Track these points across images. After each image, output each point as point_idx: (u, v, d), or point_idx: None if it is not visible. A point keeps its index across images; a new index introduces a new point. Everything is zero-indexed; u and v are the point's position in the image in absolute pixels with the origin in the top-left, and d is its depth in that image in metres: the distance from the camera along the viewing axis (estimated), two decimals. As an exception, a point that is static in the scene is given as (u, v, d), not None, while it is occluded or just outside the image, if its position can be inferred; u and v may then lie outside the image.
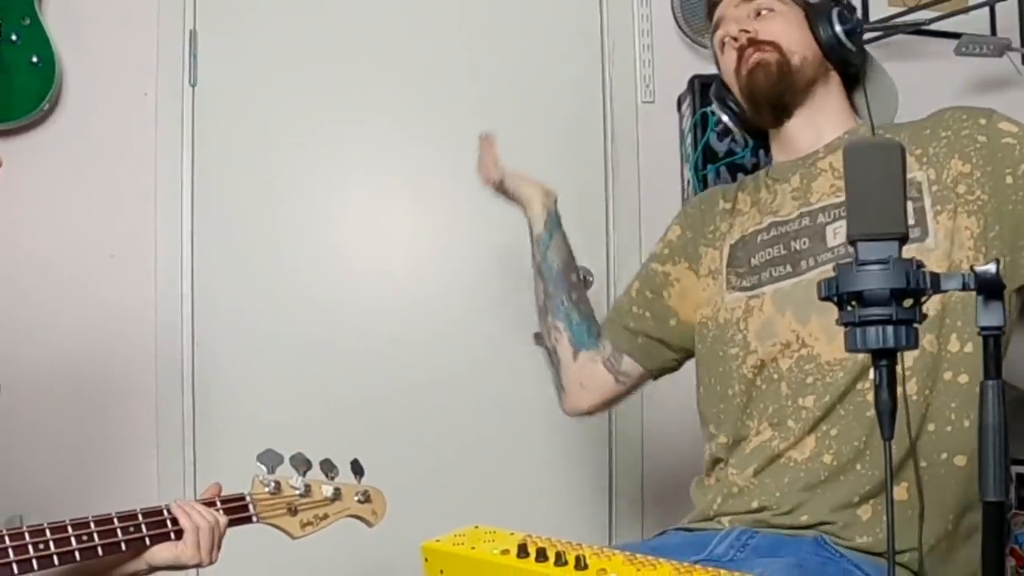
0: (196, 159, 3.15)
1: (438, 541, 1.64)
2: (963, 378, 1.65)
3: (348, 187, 3.21)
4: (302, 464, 1.95)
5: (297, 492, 1.94)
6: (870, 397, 1.64)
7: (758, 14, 1.91)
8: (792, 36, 1.88)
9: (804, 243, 1.81)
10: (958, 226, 1.68)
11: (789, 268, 1.81)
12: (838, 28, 1.87)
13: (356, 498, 2.00)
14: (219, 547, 1.84)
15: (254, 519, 1.90)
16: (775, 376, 1.78)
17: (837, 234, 1.76)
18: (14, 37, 3.02)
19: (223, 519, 1.84)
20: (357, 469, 2.01)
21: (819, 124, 1.90)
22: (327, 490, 1.97)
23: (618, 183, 3.15)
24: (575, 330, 2.06)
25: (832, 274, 1.65)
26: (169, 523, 1.79)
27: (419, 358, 3.15)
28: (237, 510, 1.88)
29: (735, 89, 1.98)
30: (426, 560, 1.63)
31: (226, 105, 3.18)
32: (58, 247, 3.12)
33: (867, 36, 2.99)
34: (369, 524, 2.02)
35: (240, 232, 3.17)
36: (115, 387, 3.11)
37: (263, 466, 1.92)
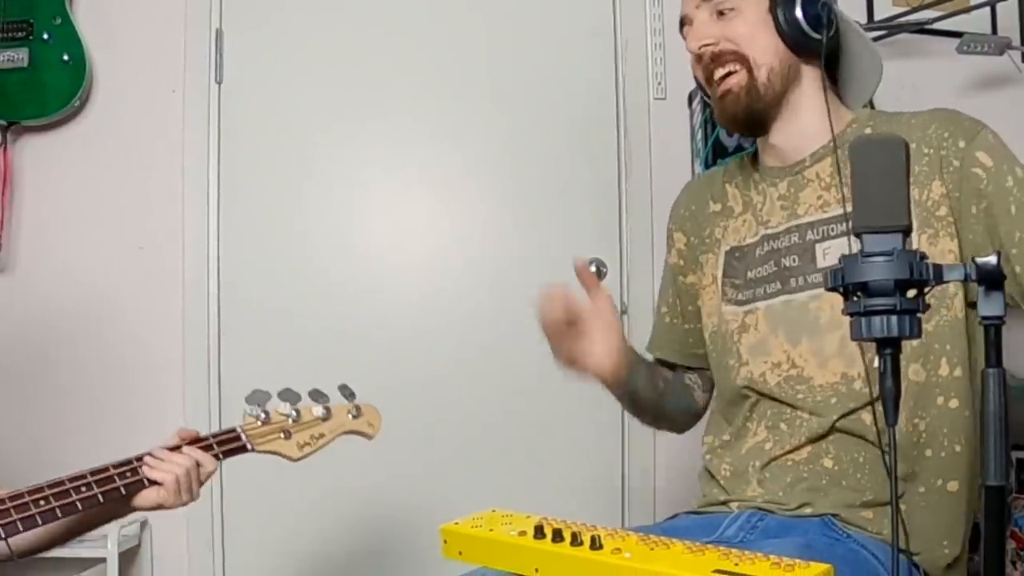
0: (222, 154, 3.16)
1: (456, 524, 1.65)
2: (953, 403, 1.64)
3: (368, 181, 3.22)
4: (291, 396, 1.98)
5: (288, 417, 1.96)
6: (867, 420, 1.65)
7: (720, 13, 1.77)
8: (757, 41, 1.75)
9: (794, 260, 1.77)
10: (941, 250, 1.64)
11: (779, 285, 1.77)
12: (802, 21, 1.73)
13: (349, 414, 2.02)
14: (200, 483, 1.87)
15: (248, 446, 1.92)
16: (765, 391, 1.77)
17: (827, 255, 1.72)
18: (46, 36, 3.04)
19: (205, 460, 1.86)
20: (346, 392, 2.04)
21: (801, 130, 1.79)
22: (318, 410, 1.99)
23: (631, 177, 3.15)
24: (680, 417, 2.07)
25: (820, 295, 1.68)
26: (144, 472, 1.82)
27: (436, 349, 3.16)
28: (230, 441, 1.91)
29: (710, 102, 1.88)
30: (445, 542, 1.63)
31: (251, 102, 3.19)
32: (88, 239, 3.14)
33: (871, 35, 3.00)
34: (368, 436, 2.03)
35: (264, 224, 3.18)
36: (142, 374, 3.13)
37: (250, 404, 1.95)
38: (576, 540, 1.48)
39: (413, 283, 3.19)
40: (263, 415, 1.94)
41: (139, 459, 1.82)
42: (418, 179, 3.22)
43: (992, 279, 1.07)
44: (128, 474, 1.80)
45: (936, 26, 2.85)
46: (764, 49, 1.75)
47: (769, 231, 1.82)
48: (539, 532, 1.53)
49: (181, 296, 3.12)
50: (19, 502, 1.70)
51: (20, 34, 3.03)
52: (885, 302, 1.07)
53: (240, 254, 3.16)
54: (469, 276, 3.19)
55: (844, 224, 1.71)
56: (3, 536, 1.67)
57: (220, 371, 3.12)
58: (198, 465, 1.85)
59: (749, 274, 1.83)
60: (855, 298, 1.10)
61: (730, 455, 1.83)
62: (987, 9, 2.86)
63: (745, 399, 1.81)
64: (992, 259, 1.06)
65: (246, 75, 3.19)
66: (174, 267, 3.13)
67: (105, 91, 3.17)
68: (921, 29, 2.89)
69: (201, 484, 1.86)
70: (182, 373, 3.12)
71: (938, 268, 1.08)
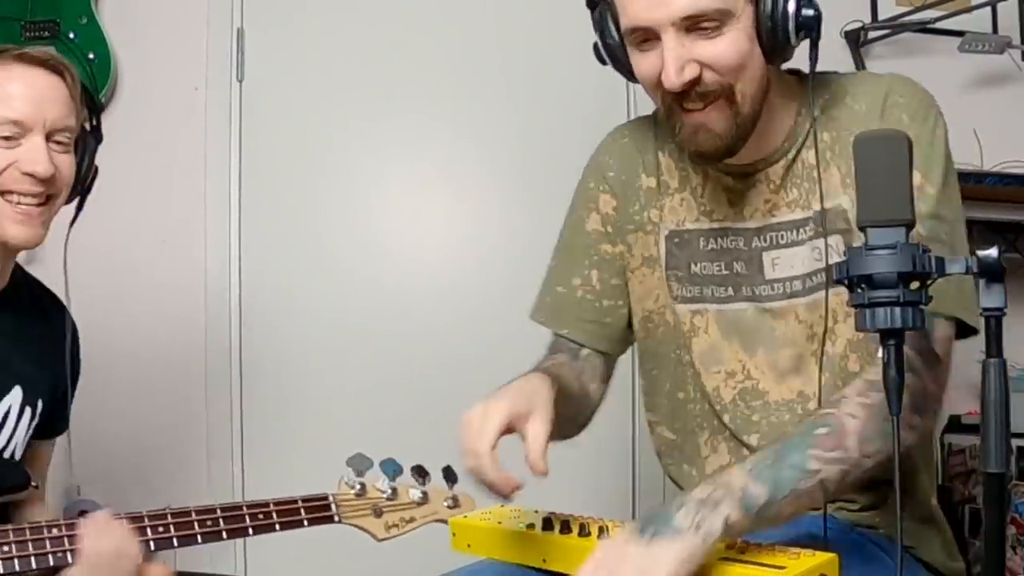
0: (243, 150, 3.18)
1: (465, 517, 1.66)
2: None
3: (386, 177, 3.23)
4: (392, 469, 1.85)
5: (383, 495, 1.84)
6: None
7: (699, 26, 1.41)
8: (745, 71, 1.45)
9: (743, 267, 1.61)
10: None
11: (731, 291, 1.62)
12: (792, 34, 1.42)
13: (445, 503, 1.88)
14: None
15: (336, 518, 1.80)
16: (717, 407, 1.66)
17: (776, 265, 1.58)
18: (72, 35, 3.05)
19: (134, 550, 1.61)
20: (450, 476, 1.87)
21: (759, 134, 1.54)
22: (414, 493, 1.86)
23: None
24: (580, 421, 1.78)
25: (772, 309, 1.59)
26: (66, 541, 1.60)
27: (452, 340, 3.17)
28: (319, 509, 1.79)
29: (658, 108, 1.60)
30: (453, 535, 1.64)
31: (271, 99, 3.20)
32: (113, 232, 3.13)
33: (875, 34, 3.00)
34: None
35: (285, 219, 3.19)
36: (167, 365, 3.14)
37: (351, 468, 1.83)
38: (583, 531, 1.48)
39: (429, 276, 3.21)
40: (359, 487, 1.81)
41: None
42: (434, 174, 3.24)
43: (992, 271, 1.07)
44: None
45: (938, 25, 2.87)
46: (753, 78, 1.47)
47: (715, 224, 1.64)
48: (547, 524, 1.53)
49: (203, 288, 3.14)
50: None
51: (46, 33, 3.04)
52: (889, 294, 1.08)
53: (261, 247, 3.18)
54: (483, 269, 3.20)
55: (796, 232, 1.57)
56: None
57: (242, 362, 3.14)
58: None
59: (693, 267, 1.66)
60: (859, 290, 1.10)
61: (695, 469, 1.74)
62: (988, 9, 2.87)
63: (696, 407, 1.71)
64: (993, 252, 1.07)
65: (267, 73, 3.21)
66: (197, 260, 3.15)
67: (130, 89, 3.17)
68: (924, 28, 2.90)
69: None
70: (204, 359, 3.14)
71: (940, 261, 1.09)
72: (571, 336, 1.77)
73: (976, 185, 2.68)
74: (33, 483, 1.77)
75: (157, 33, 3.20)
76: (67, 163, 1.73)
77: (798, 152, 1.58)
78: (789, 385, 1.61)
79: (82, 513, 1.76)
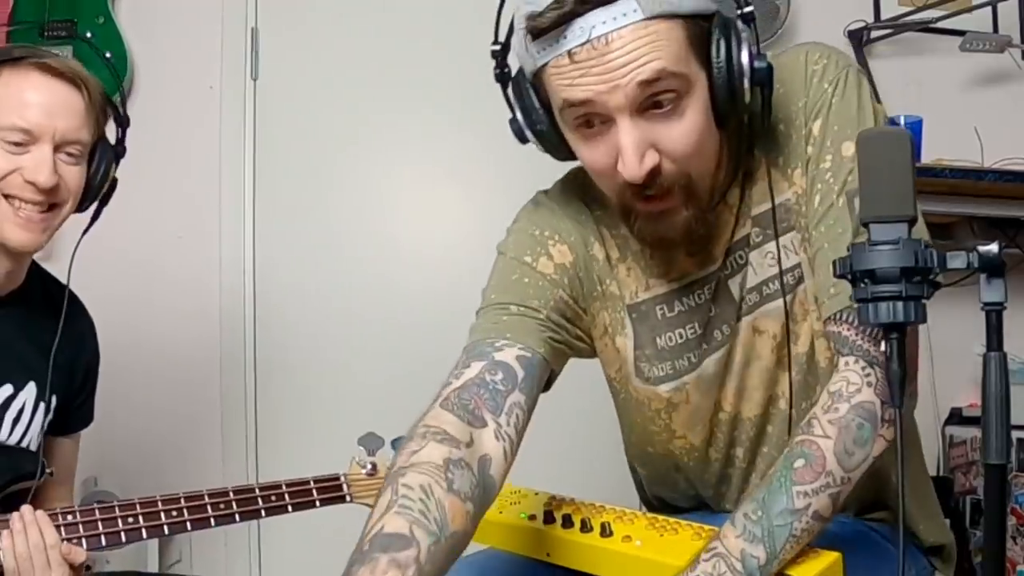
0: (257, 147, 3.20)
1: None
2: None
3: (397, 173, 3.24)
4: None
5: None
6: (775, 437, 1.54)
7: (655, 103, 1.25)
8: (703, 151, 1.32)
9: (713, 311, 1.49)
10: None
11: (705, 346, 1.50)
12: (747, 96, 1.30)
13: None
14: (54, 566, 1.60)
15: (348, 498, 1.85)
16: (708, 456, 1.59)
17: (742, 285, 1.47)
18: (89, 34, 3.05)
19: (52, 539, 1.61)
20: None
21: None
22: None
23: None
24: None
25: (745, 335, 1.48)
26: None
27: (458, 332, 3.16)
28: (331, 489, 1.84)
29: (606, 193, 1.43)
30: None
31: (285, 97, 3.22)
32: (130, 228, 3.13)
33: (878, 34, 3.00)
34: None
35: (298, 215, 3.21)
36: (182, 357, 3.16)
37: (363, 448, 1.87)
38: (586, 526, 1.47)
39: (437, 270, 3.22)
40: (370, 466, 1.86)
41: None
42: (443, 171, 3.25)
43: (993, 267, 1.08)
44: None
45: (940, 25, 2.87)
46: (709, 156, 1.36)
47: (673, 285, 1.51)
48: (549, 517, 1.52)
49: (218, 282, 3.16)
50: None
51: (64, 33, 3.05)
52: (891, 289, 1.08)
53: (274, 242, 3.19)
54: (490, 265, 3.20)
55: (747, 243, 1.47)
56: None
57: (256, 353, 3.17)
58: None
59: (659, 342, 1.53)
60: (862, 285, 1.11)
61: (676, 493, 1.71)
62: (988, 8, 2.87)
63: (671, 461, 1.65)
64: (993, 247, 1.07)
65: (280, 71, 3.22)
66: (211, 254, 3.17)
67: (146, 87, 3.19)
68: (925, 28, 2.90)
69: (54, 567, 1.61)
70: (219, 351, 3.16)
71: (942, 256, 1.09)
72: (531, 345, 1.49)
73: (977, 181, 2.68)
74: (48, 470, 1.78)
75: (173, 32, 3.22)
76: (75, 174, 1.73)
77: (746, 164, 1.47)
78: (756, 400, 1.53)
79: (99, 503, 1.79)
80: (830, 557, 1.31)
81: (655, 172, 1.29)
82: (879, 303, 1.09)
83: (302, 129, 3.21)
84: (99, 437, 2.65)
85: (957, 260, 1.09)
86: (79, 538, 1.64)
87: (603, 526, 1.47)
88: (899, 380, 1.12)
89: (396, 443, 1.72)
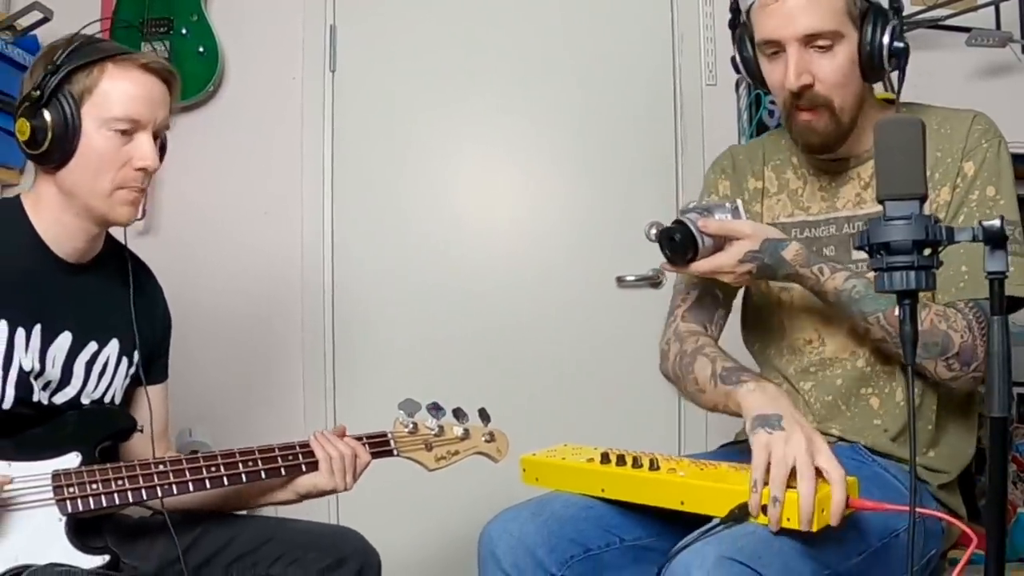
0: (335, 132, 3.21)
1: (533, 455, 1.70)
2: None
3: (462, 156, 3.23)
4: (436, 410, 1.96)
5: (432, 432, 1.95)
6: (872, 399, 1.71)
7: (817, 47, 1.60)
8: (847, 88, 1.63)
9: (831, 251, 1.73)
10: None
11: None
12: (887, 61, 1.60)
13: (483, 438, 2.00)
14: (355, 475, 1.86)
15: (395, 452, 1.92)
16: (800, 362, 1.79)
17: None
18: (184, 31, 3.11)
19: (361, 452, 1.86)
20: (484, 416, 2.02)
21: (853, 138, 1.70)
22: (458, 430, 1.98)
23: (686, 154, 3.13)
24: None
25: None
26: (301, 456, 1.82)
27: (519, 302, 3.18)
28: (380, 444, 1.91)
29: (779, 107, 1.74)
30: (524, 470, 1.68)
31: (360, 87, 3.23)
32: (220, 205, 3.20)
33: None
34: (494, 460, 2.02)
35: (373, 193, 3.22)
36: (269, 321, 3.19)
37: (403, 411, 1.93)
38: (636, 463, 1.52)
39: (498, 245, 3.21)
40: (411, 425, 1.93)
41: (303, 445, 1.84)
42: (505, 155, 3.23)
43: (996, 239, 1.09)
44: (290, 457, 1.82)
45: (948, 22, 2.89)
46: (851, 94, 1.64)
47: (810, 218, 1.78)
48: (605, 458, 1.57)
49: (300, 253, 3.18)
50: (192, 465, 1.73)
51: (162, 29, 3.10)
52: (904, 259, 1.11)
53: (351, 219, 3.21)
54: (547, 239, 3.21)
55: None
56: (173, 493, 1.71)
57: (334, 317, 3.19)
58: (355, 456, 1.85)
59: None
60: (879, 255, 1.13)
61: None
62: (991, 8, 2.88)
63: (783, 361, 1.83)
64: (996, 222, 1.09)
65: (356, 64, 3.23)
66: (294, 229, 3.18)
67: (235, 78, 3.22)
68: (935, 25, 2.91)
69: (356, 475, 1.86)
70: (301, 318, 3.18)
71: (950, 230, 1.11)
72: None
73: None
74: (139, 427, 1.83)
75: (259, 29, 3.23)
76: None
77: None
78: (842, 342, 1.73)
79: (193, 452, 1.84)
80: (848, 479, 1.34)
81: (808, 87, 1.60)
82: (893, 272, 1.12)
83: (375, 116, 3.22)
84: (193, 391, 2.71)
85: (963, 234, 1.11)
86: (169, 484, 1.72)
87: (651, 462, 1.52)
88: (911, 340, 1.14)
89: (430, 407, 1.93)
